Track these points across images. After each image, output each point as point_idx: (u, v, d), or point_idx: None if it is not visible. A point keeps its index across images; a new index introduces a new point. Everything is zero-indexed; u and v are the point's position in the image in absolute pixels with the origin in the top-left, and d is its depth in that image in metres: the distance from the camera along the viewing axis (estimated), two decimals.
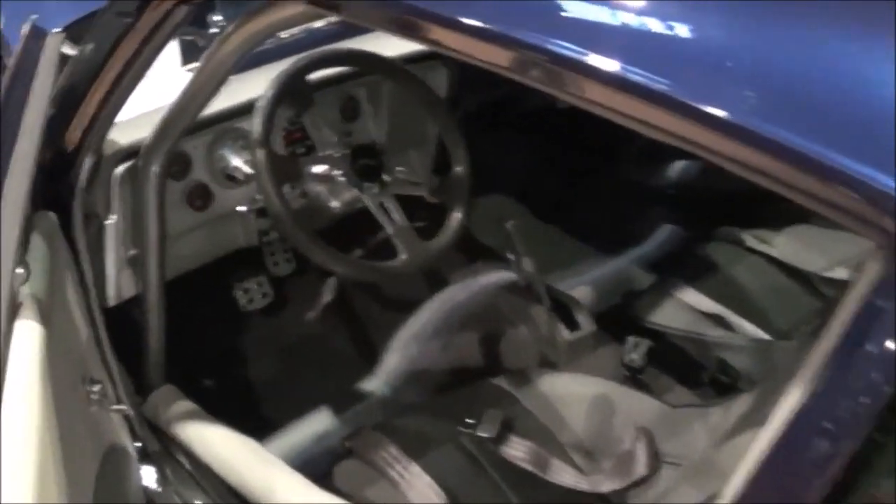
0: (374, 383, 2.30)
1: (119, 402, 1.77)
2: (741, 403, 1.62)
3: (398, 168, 1.95)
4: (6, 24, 2.77)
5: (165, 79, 1.90)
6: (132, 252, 1.93)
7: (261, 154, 1.75)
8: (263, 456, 1.79)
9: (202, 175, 2.06)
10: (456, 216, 1.98)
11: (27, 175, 1.37)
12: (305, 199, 1.93)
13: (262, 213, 2.13)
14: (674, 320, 2.14)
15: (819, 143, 0.76)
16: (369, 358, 2.33)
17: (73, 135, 1.70)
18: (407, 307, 2.30)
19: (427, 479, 1.68)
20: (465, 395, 1.94)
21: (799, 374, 0.82)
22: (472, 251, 2.47)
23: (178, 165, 2.00)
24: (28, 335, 1.29)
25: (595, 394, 1.87)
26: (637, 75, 0.85)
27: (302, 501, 1.64)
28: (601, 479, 1.72)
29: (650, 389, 1.93)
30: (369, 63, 2.01)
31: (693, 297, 2.18)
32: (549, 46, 0.91)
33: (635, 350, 1.95)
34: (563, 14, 0.94)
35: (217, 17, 2.26)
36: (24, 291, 1.35)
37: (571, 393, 1.89)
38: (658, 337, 2.08)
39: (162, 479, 1.83)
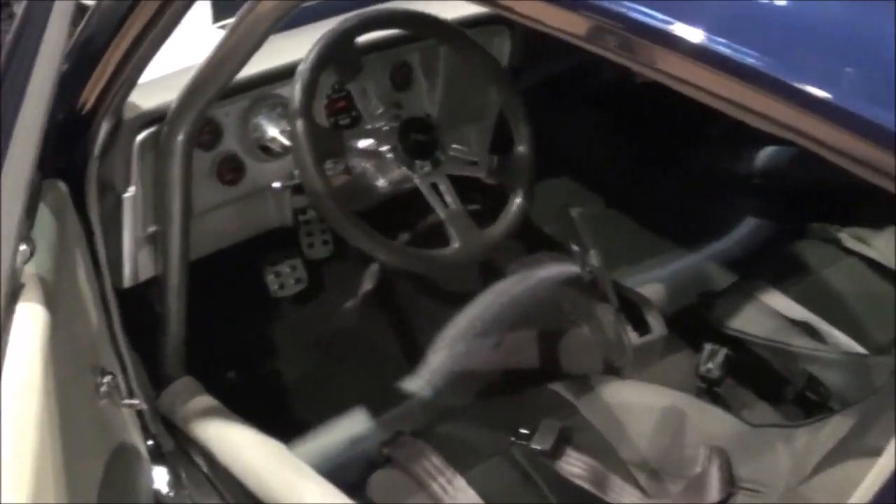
0: (417, 384, 2.30)
1: (131, 395, 1.77)
2: (834, 426, 1.60)
3: (453, 145, 1.93)
4: None
5: (197, 36, 1.88)
6: (152, 229, 1.92)
7: (300, 124, 1.73)
8: (290, 461, 1.79)
9: (234, 145, 2.05)
10: (516, 201, 1.96)
11: (34, 138, 1.36)
12: (348, 177, 1.92)
13: (298, 190, 2.12)
14: (756, 327, 2.12)
15: None
16: (412, 355, 2.34)
17: (90, 95, 1.68)
18: (456, 300, 2.31)
19: (472, 494, 1.68)
20: (518, 401, 1.94)
21: None
22: (531, 240, 2.46)
23: (207, 134, 1.99)
24: (30, 320, 1.28)
25: (664, 406, 1.86)
26: (724, 47, 0.84)
27: None
28: (668, 503, 1.71)
29: (727, 404, 1.92)
30: (425, 26, 1.99)
31: (779, 302, 2.16)
32: (626, 12, 0.90)
33: (712, 359, 1.94)
34: None
35: None
36: (28, 270, 1.34)
37: (638, 404, 1.88)
38: (738, 345, 2.07)
39: (175, 481, 1.86)
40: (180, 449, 1.89)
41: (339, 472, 1.83)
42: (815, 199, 2.26)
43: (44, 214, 1.48)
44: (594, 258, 2.07)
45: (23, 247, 1.34)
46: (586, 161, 2.85)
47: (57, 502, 1.18)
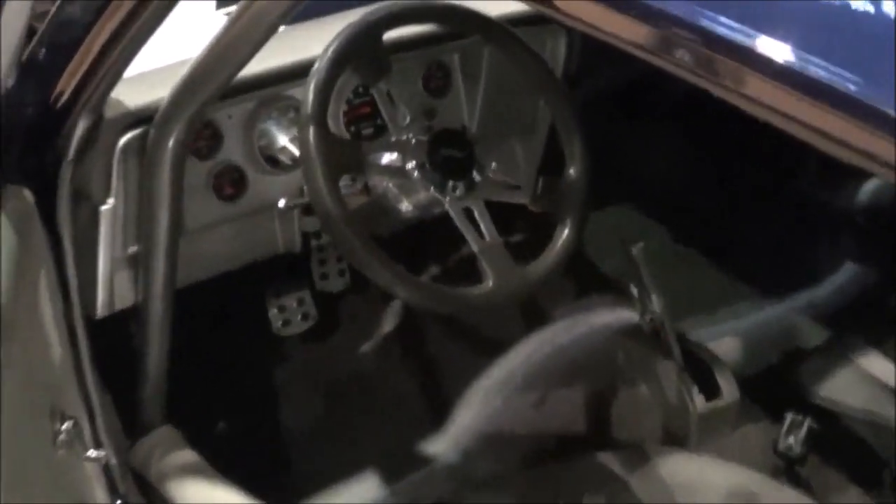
0: (442, 445, 2.29)
1: (98, 445, 1.75)
2: None
3: (493, 164, 1.92)
4: None
5: (198, 22, 1.88)
6: (133, 249, 1.92)
7: (311, 132, 1.72)
8: None
9: (235, 154, 2.05)
10: (565, 232, 1.93)
11: None
12: (367, 197, 1.90)
13: (309, 210, 2.11)
14: (849, 395, 2.14)
15: None
16: (437, 410, 2.34)
17: (66, 86, 1.67)
18: (491, 348, 2.31)
19: None
20: (560, 472, 1.95)
21: None
22: (583, 280, 2.49)
23: (204, 139, 1.99)
24: None
25: (735, 486, 1.85)
26: (818, 68, 0.81)
27: None
28: None
29: (810, 487, 1.93)
30: (467, 21, 1.99)
31: (878, 366, 2.17)
32: (703, 23, 0.89)
33: (793, 432, 1.94)
34: None
35: None
36: None
37: (701, 483, 1.88)
38: (825, 416, 2.07)
39: None
40: None
41: None
42: None
43: (3, 227, 1.48)
44: (657, 304, 2.06)
45: None
46: (651, 188, 2.84)
47: None
